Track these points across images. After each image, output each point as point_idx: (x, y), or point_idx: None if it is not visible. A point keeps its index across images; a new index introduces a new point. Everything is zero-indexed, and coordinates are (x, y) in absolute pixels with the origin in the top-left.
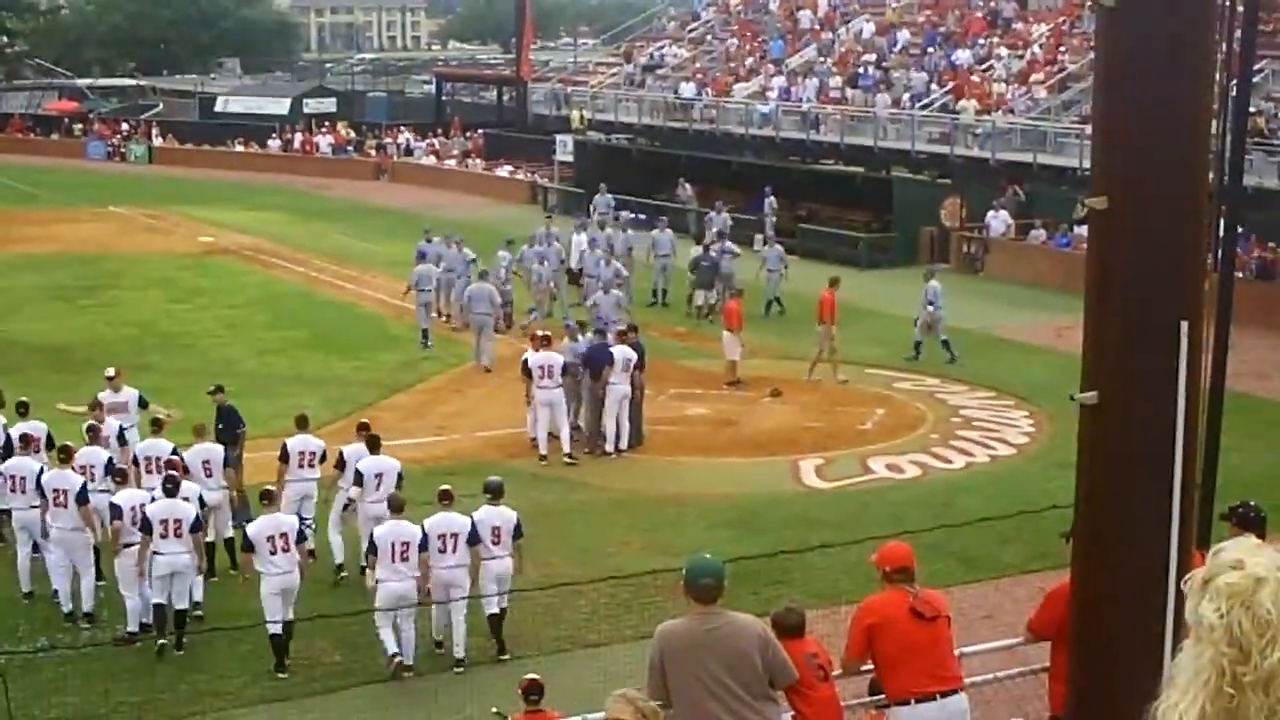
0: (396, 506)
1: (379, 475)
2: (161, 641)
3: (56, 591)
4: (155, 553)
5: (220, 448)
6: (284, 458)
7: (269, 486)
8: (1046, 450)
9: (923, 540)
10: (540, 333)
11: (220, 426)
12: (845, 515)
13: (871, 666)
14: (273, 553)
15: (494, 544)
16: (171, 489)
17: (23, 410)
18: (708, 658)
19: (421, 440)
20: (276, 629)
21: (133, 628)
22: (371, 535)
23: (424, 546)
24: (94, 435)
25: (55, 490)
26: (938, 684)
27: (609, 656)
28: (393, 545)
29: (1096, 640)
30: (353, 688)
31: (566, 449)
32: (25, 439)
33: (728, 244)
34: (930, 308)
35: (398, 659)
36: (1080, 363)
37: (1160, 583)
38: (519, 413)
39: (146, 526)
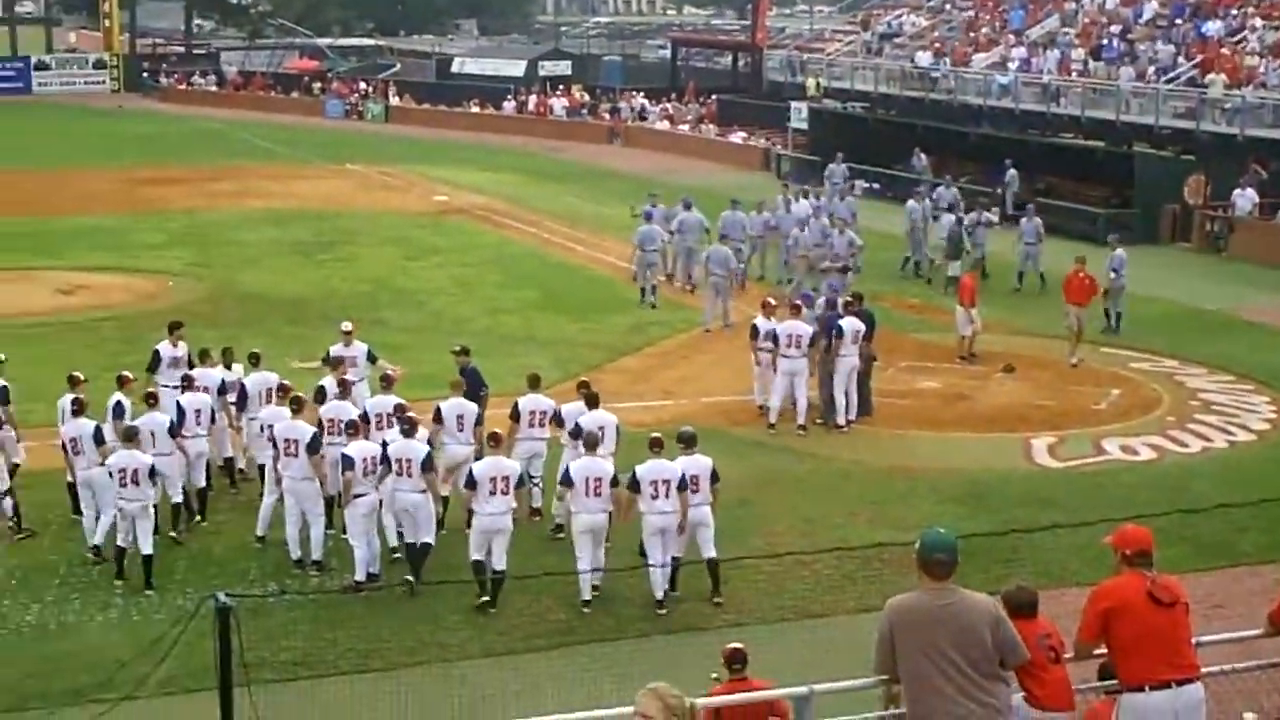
0: (590, 444)
1: (600, 428)
2: (409, 578)
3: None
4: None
5: (474, 405)
6: (514, 416)
7: (496, 430)
8: None
9: (1156, 525)
10: (771, 300)
11: (465, 390)
12: (1077, 496)
13: (1104, 651)
14: (491, 493)
15: (692, 491)
16: (408, 430)
17: (255, 361)
18: (938, 634)
19: (648, 404)
20: (478, 556)
21: (360, 577)
22: (566, 468)
23: (635, 488)
24: (345, 389)
25: (287, 440)
26: (1174, 672)
27: (831, 628)
28: (586, 480)
29: None
30: (575, 645)
31: (801, 420)
32: (284, 389)
33: (985, 214)
34: (1113, 275)
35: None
36: None
37: None
38: (745, 380)
39: (388, 464)
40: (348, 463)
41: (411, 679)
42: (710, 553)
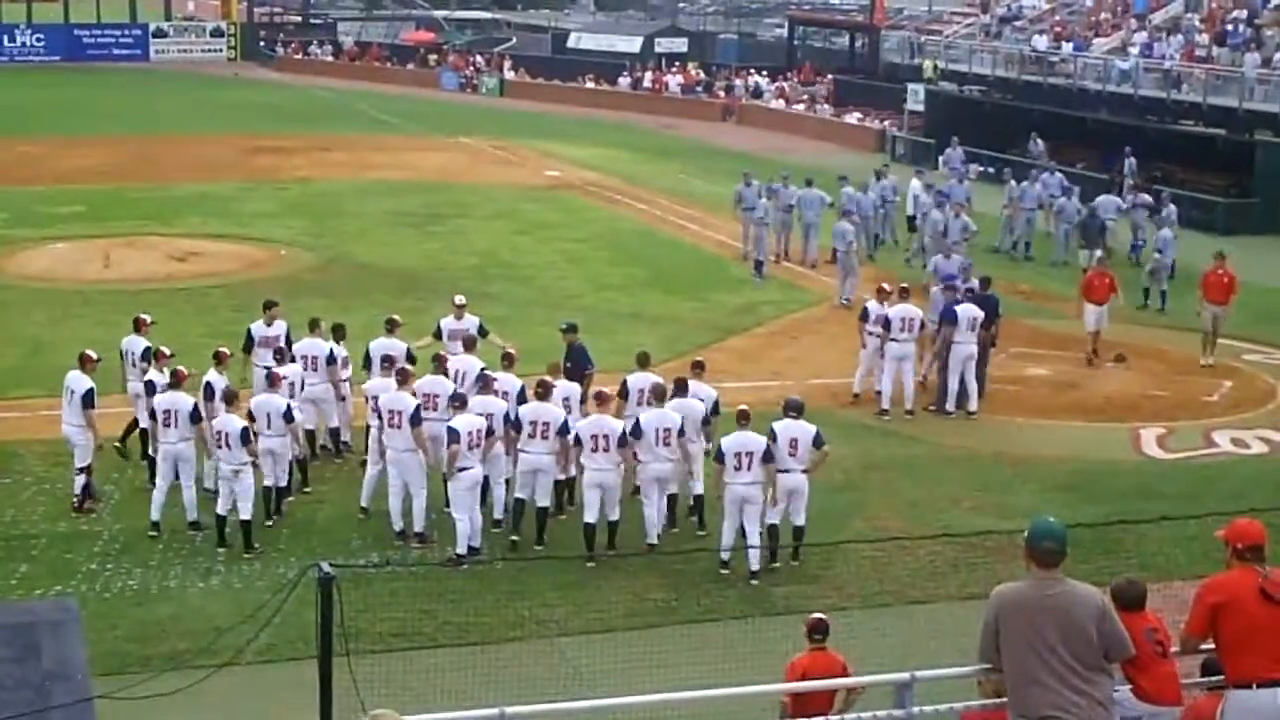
0: (659, 394)
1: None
2: (514, 538)
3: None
4: (522, 451)
5: (577, 385)
6: (623, 394)
7: (602, 389)
8: None
9: (1268, 519)
10: (885, 285)
11: (568, 365)
12: (1185, 488)
13: (1211, 646)
14: (594, 450)
15: (790, 456)
16: (543, 393)
17: (390, 328)
18: (1044, 624)
19: (755, 384)
20: (591, 518)
21: (461, 550)
22: (636, 419)
23: (720, 459)
24: (440, 365)
25: (391, 411)
26: None
27: (931, 614)
28: (656, 430)
29: None
30: (673, 625)
31: (909, 405)
32: (388, 360)
33: (1141, 195)
34: (1158, 255)
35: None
36: None
37: None
38: (854, 363)
39: (517, 425)
40: (453, 435)
41: (509, 653)
42: (799, 521)
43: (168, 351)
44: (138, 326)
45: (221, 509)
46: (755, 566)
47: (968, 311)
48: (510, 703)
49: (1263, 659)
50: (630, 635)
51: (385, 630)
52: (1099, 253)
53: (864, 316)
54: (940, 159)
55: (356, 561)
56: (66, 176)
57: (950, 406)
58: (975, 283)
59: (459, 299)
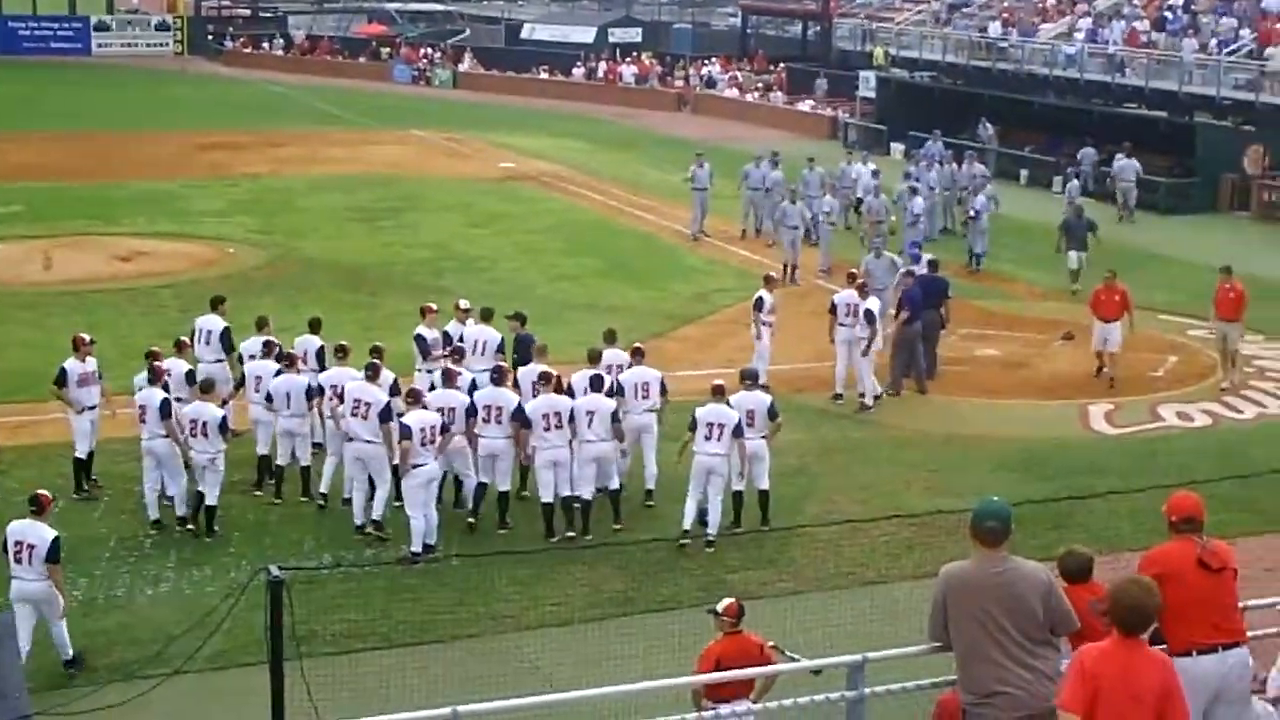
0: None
1: (645, 384)
2: (470, 520)
3: (349, 500)
4: (479, 436)
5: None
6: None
7: (548, 370)
8: None
9: (1210, 490)
10: (855, 271)
11: (515, 355)
12: (1133, 462)
13: None
14: (546, 429)
15: (748, 425)
16: (497, 378)
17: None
18: (990, 601)
19: (710, 371)
20: (548, 499)
21: (416, 548)
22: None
23: (693, 428)
24: (450, 380)
25: (357, 400)
26: (1221, 636)
27: (886, 594)
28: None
29: None
30: (632, 615)
31: (862, 389)
32: (343, 349)
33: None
34: (973, 215)
35: None
36: None
37: None
38: (808, 348)
39: (473, 411)
40: (405, 431)
41: (465, 651)
42: (763, 485)
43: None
44: (76, 346)
45: (180, 509)
46: (713, 533)
47: (847, 299)
48: (463, 701)
49: (1202, 626)
50: (588, 628)
51: (339, 632)
52: (1084, 254)
53: (832, 309)
54: (920, 151)
55: (308, 563)
56: (2, 174)
57: (840, 389)
58: (925, 267)
59: (463, 303)
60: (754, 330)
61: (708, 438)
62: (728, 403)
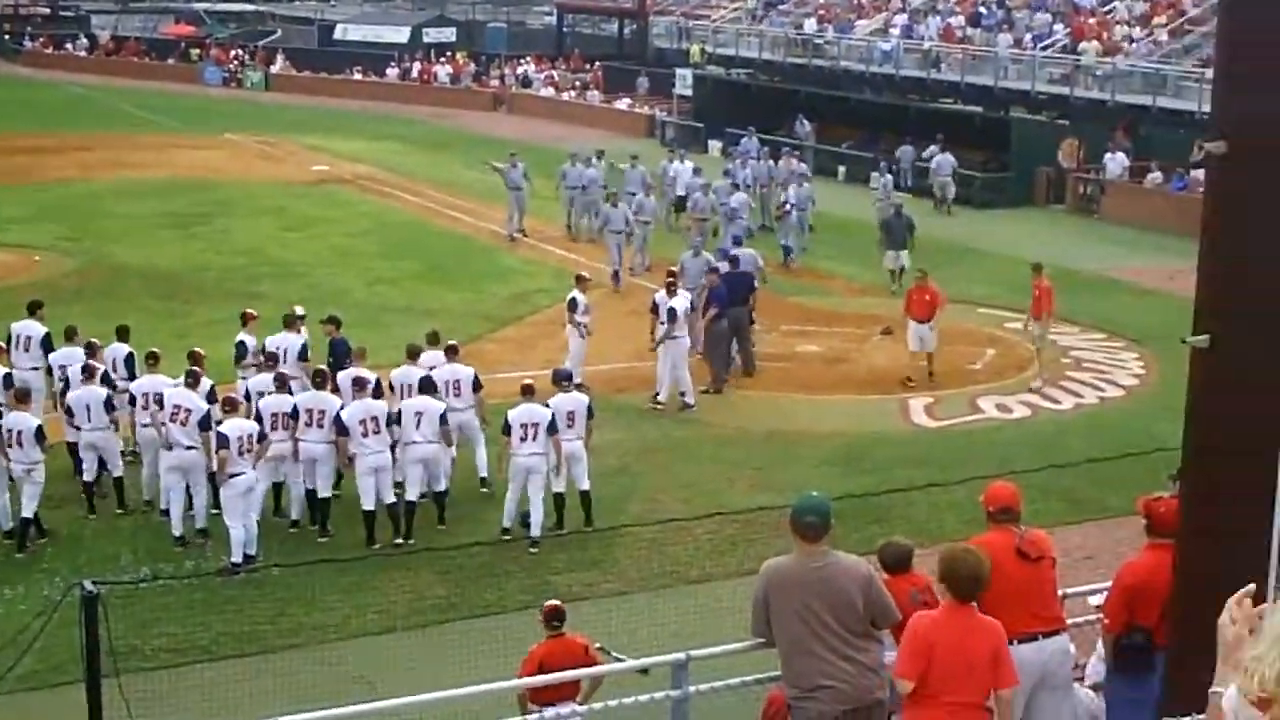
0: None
1: (456, 382)
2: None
3: (167, 512)
4: (300, 440)
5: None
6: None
7: (362, 374)
8: (1156, 393)
9: (1029, 481)
10: (673, 269)
11: (330, 360)
12: (953, 454)
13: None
14: (364, 435)
15: (567, 427)
16: (319, 382)
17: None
18: (811, 596)
19: (531, 372)
20: (369, 506)
21: (236, 559)
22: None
23: (506, 430)
24: (282, 385)
25: (177, 407)
26: (1040, 624)
27: (712, 593)
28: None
29: (1200, 575)
30: (456, 621)
31: (684, 388)
32: (154, 357)
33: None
34: (789, 207)
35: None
36: (1193, 306)
37: (1267, 526)
38: (628, 347)
39: (295, 414)
40: (222, 441)
41: (288, 662)
42: (584, 485)
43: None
44: None
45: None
46: (536, 533)
47: (665, 298)
48: (289, 712)
49: (1022, 615)
50: (412, 634)
51: (159, 646)
52: (905, 253)
53: (654, 310)
54: (737, 148)
55: (123, 577)
56: None
57: (663, 396)
58: (724, 264)
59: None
60: (568, 331)
61: (523, 439)
62: (542, 402)
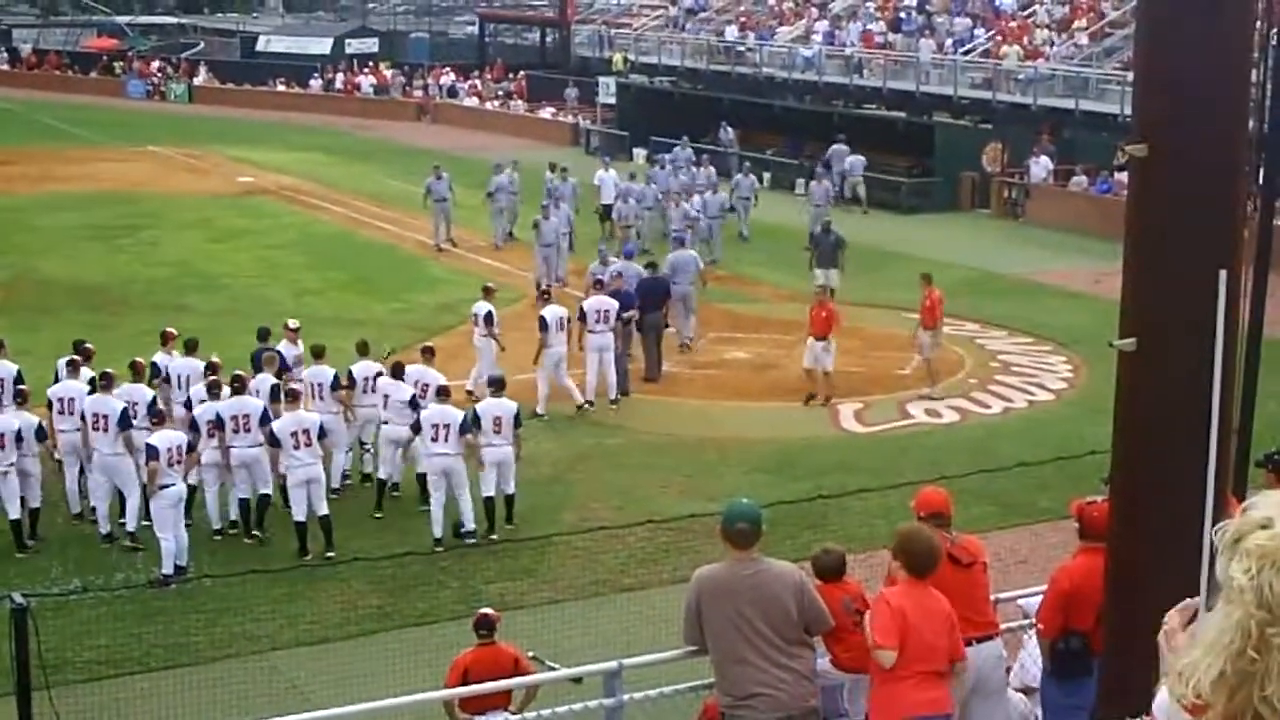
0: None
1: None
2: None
3: (95, 509)
4: (230, 446)
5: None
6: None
7: (294, 386)
8: (1084, 396)
9: (960, 485)
10: (598, 277)
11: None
12: (883, 460)
13: None
14: (295, 447)
15: (495, 433)
16: (239, 387)
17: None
18: (743, 603)
19: (458, 382)
20: (300, 517)
21: (167, 570)
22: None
23: (417, 429)
24: (236, 387)
25: (95, 414)
26: (972, 630)
27: (646, 601)
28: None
29: (1132, 578)
30: (389, 631)
31: (613, 395)
32: (75, 364)
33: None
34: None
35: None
36: (1119, 309)
37: (1197, 528)
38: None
39: (220, 424)
40: (152, 452)
41: (221, 672)
42: (510, 489)
43: None
44: None
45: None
46: (471, 526)
47: (596, 304)
48: None
49: None
50: (346, 645)
51: (91, 659)
52: (835, 272)
53: (582, 316)
54: (668, 157)
55: (53, 589)
56: None
57: (590, 397)
58: (621, 264)
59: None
60: (478, 342)
61: (434, 439)
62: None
